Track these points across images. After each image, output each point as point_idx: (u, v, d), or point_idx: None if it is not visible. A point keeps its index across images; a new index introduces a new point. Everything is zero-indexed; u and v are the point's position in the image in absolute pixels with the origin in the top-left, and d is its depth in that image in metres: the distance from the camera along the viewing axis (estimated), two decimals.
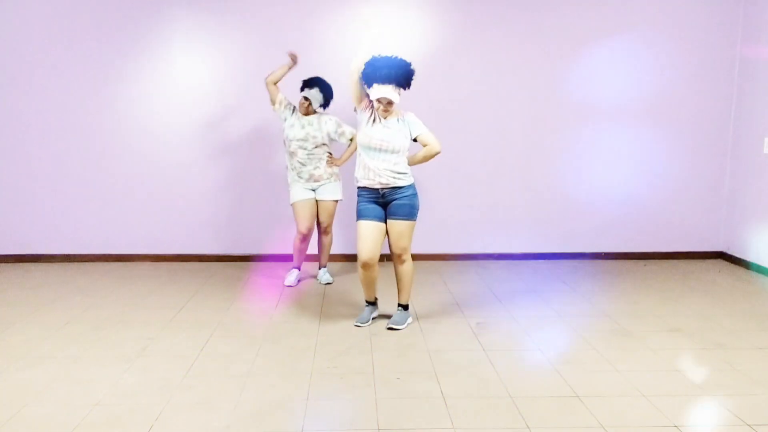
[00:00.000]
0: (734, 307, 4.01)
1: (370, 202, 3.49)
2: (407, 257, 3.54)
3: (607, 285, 4.53)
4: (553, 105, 5.14)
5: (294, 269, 4.57)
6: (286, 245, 5.22)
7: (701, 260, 5.34)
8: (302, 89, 4.28)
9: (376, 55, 3.36)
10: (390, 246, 3.54)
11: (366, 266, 3.49)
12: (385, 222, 3.51)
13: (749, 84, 5.03)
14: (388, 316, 3.71)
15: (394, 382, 2.85)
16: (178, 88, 5.00)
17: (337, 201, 4.42)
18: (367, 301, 3.73)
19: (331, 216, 4.43)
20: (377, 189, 3.46)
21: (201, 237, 5.21)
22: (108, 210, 5.14)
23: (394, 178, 3.43)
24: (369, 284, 3.61)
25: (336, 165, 4.38)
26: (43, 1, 4.86)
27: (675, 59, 5.12)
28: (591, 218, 5.31)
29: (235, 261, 5.22)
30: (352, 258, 5.20)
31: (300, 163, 4.28)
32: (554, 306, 4.02)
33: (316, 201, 4.38)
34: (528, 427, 2.44)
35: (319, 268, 4.66)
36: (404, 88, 3.41)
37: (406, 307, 3.66)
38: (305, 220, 4.32)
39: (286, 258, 5.24)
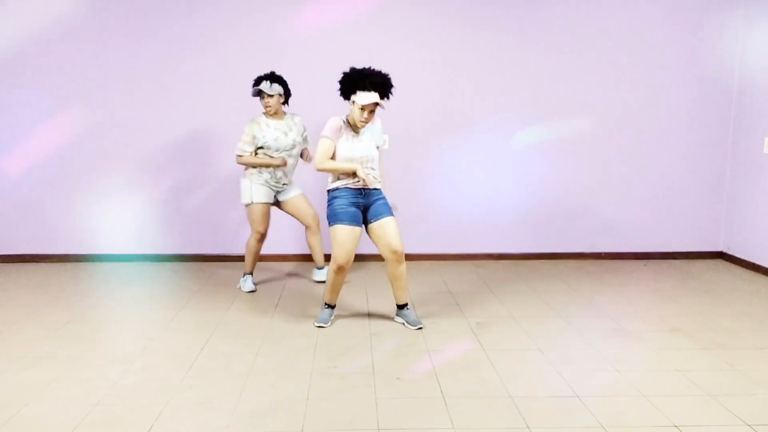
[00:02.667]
0: (734, 307, 4.01)
1: (350, 204, 3.45)
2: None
3: (607, 285, 4.53)
4: (553, 105, 5.14)
5: (249, 275, 4.39)
6: (286, 245, 5.24)
7: (701, 260, 5.34)
8: (258, 87, 4.02)
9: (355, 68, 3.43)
10: (389, 246, 3.46)
11: (341, 270, 3.48)
12: (362, 226, 3.51)
13: (749, 84, 5.03)
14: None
15: (394, 382, 2.85)
16: (178, 87, 5.00)
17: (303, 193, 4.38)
18: (328, 304, 3.69)
19: (311, 206, 4.36)
20: (359, 189, 3.47)
21: (201, 237, 5.21)
22: (108, 210, 5.14)
23: (375, 179, 3.51)
24: (338, 288, 3.62)
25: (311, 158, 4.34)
26: (45, 1, 4.86)
27: (675, 59, 5.13)
28: (591, 218, 5.31)
29: (235, 261, 5.21)
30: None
31: (284, 173, 4.18)
32: (554, 306, 4.02)
33: (280, 203, 4.31)
34: (528, 427, 2.44)
35: (320, 268, 4.58)
36: (387, 98, 3.43)
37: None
38: (265, 222, 4.20)
39: (285, 258, 5.25)
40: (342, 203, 3.45)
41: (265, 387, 2.80)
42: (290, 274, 4.83)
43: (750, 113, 5.03)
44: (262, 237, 4.27)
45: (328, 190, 3.54)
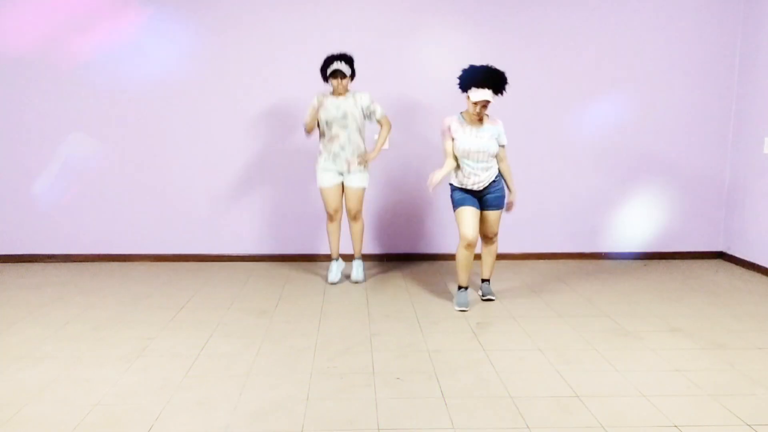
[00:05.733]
0: (734, 307, 4.01)
1: (466, 193, 3.88)
2: (497, 239, 4.10)
3: (607, 285, 4.53)
4: (552, 105, 5.14)
5: (333, 261, 4.53)
6: (285, 245, 5.24)
7: (701, 260, 5.34)
8: (327, 67, 4.14)
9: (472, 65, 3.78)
10: (485, 230, 4.00)
11: (470, 246, 3.86)
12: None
13: (749, 84, 5.03)
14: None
15: (394, 382, 2.85)
16: (177, 87, 5.00)
17: (365, 188, 4.39)
18: (462, 286, 4.03)
19: (361, 202, 4.38)
20: (475, 190, 3.87)
21: (201, 237, 5.21)
22: (108, 210, 5.14)
23: (488, 177, 3.86)
24: (467, 266, 3.94)
25: (367, 161, 4.32)
26: (44, 0, 4.86)
27: (675, 59, 5.13)
28: (591, 218, 5.31)
29: (235, 261, 5.22)
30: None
31: (340, 147, 4.23)
32: (554, 306, 4.02)
33: (343, 186, 4.37)
34: (528, 427, 2.44)
35: (353, 260, 4.60)
36: (500, 94, 3.76)
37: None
38: (333, 201, 4.36)
39: (285, 258, 5.25)
40: (460, 192, 3.89)
41: (265, 387, 2.80)
42: (290, 274, 4.83)
43: (750, 113, 5.03)
44: (333, 217, 4.43)
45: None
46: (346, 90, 4.24)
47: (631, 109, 5.18)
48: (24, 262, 5.18)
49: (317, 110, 4.21)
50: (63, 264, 5.15)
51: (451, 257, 5.29)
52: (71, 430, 2.41)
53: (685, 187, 5.30)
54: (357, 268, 4.56)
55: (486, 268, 4.20)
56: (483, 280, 4.22)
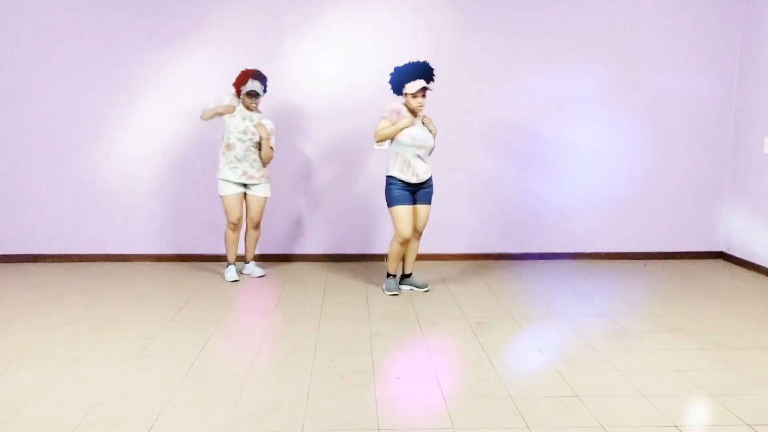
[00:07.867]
0: (734, 307, 4.01)
1: (403, 189, 4.04)
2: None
3: (607, 285, 4.53)
4: (552, 105, 5.14)
5: (231, 265, 4.63)
6: (285, 245, 5.24)
7: (701, 260, 5.34)
8: (245, 83, 4.28)
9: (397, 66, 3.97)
10: (416, 225, 4.15)
11: (406, 242, 4.12)
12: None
13: (749, 84, 5.03)
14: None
15: (394, 382, 2.85)
16: (177, 87, 5.00)
17: (267, 198, 4.54)
18: (391, 274, 4.29)
19: (262, 212, 4.57)
20: (412, 182, 4.03)
21: (200, 237, 5.21)
22: (108, 210, 5.14)
23: (425, 173, 4.07)
24: (399, 258, 4.23)
25: (268, 161, 4.48)
26: (43, 0, 4.86)
27: (675, 59, 5.13)
28: (591, 218, 5.31)
29: (236, 261, 5.21)
30: (357, 258, 5.21)
31: (236, 158, 4.36)
32: (554, 306, 4.02)
33: (245, 195, 4.50)
34: (528, 427, 2.44)
35: (247, 263, 4.75)
36: (431, 81, 3.98)
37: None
38: (236, 211, 4.46)
39: (285, 258, 5.25)
40: (397, 189, 4.02)
41: (265, 387, 2.80)
42: (290, 275, 4.83)
43: (750, 113, 5.03)
44: (236, 226, 4.54)
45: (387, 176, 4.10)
46: (256, 109, 4.41)
47: (631, 109, 5.17)
48: (24, 262, 5.18)
49: (221, 113, 4.30)
50: (63, 264, 5.15)
51: (450, 257, 5.29)
52: (71, 430, 2.41)
53: (685, 187, 5.30)
54: (253, 269, 4.73)
55: (409, 264, 4.34)
56: (406, 275, 4.36)
